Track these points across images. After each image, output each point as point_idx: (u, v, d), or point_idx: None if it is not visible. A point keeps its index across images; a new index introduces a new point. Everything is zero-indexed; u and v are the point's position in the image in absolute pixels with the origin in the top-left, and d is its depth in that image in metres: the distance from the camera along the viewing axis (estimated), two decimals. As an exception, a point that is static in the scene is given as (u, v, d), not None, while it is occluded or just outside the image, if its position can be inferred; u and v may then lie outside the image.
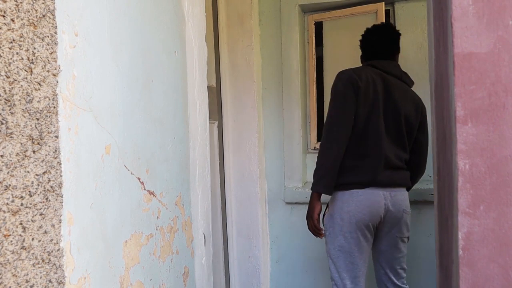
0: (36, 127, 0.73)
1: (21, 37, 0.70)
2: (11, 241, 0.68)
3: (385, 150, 1.88)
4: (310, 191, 1.92)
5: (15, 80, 0.69)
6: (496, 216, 0.78)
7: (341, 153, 1.84)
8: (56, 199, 0.77)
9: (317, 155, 1.89)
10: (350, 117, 1.84)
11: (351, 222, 1.86)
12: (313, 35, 2.79)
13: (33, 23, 0.73)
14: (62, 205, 0.79)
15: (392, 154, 1.90)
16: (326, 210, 1.96)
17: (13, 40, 0.69)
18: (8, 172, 0.67)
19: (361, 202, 1.86)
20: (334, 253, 1.90)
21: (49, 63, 0.76)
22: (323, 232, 1.94)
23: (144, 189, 1.09)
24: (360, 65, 2.13)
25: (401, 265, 2.02)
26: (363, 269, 1.92)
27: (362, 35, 2.10)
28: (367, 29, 2.09)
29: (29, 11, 0.72)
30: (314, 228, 1.92)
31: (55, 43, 0.78)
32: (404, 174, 1.97)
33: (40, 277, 0.73)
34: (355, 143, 1.86)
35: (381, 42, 2.05)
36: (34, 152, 0.72)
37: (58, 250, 0.78)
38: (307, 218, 1.94)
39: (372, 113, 1.87)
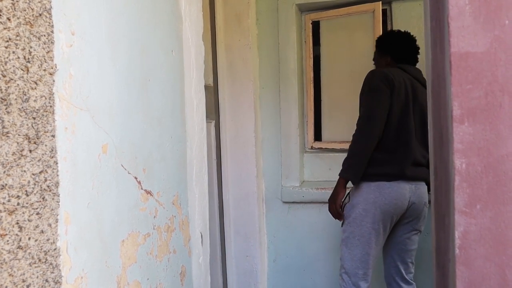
0: (32, 127, 0.73)
1: (17, 36, 0.70)
2: (8, 241, 0.67)
3: (414, 148, 1.98)
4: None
5: (11, 79, 0.69)
6: (492, 215, 0.78)
7: (373, 145, 1.94)
8: (53, 199, 0.77)
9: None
10: (385, 111, 1.94)
11: (375, 214, 1.94)
12: (310, 34, 2.79)
13: (29, 22, 0.73)
14: (58, 204, 0.78)
15: (418, 152, 2.01)
16: (346, 200, 2.03)
17: (10, 39, 0.69)
18: (4, 172, 0.67)
19: (388, 194, 1.94)
20: (353, 241, 1.97)
21: (45, 62, 0.76)
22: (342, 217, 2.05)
23: (141, 188, 1.09)
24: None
25: (411, 259, 2.12)
26: (375, 260, 2.02)
27: (387, 39, 2.21)
28: (393, 32, 2.21)
29: (25, 10, 0.72)
30: (336, 212, 2.01)
31: (51, 42, 0.78)
32: (426, 170, 2.05)
33: (37, 277, 0.73)
34: (387, 138, 1.96)
35: (411, 49, 2.19)
36: (30, 151, 0.72)
37: (55, 249, 0.77)
38: (329, 201, 2.02)
39: (404, 112, 1.98)
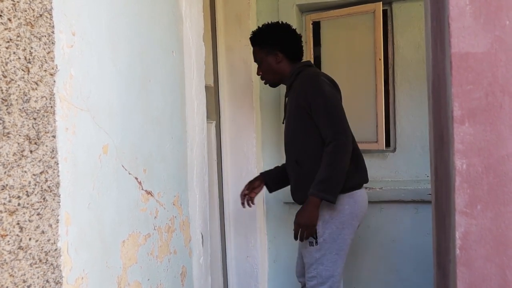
0: (33, 127, 0.73)
1: (18, 36, 0.70)
2: (8, 241, 0.67)
3: (360, 151, 1.92)
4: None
5: (12, 80, 0.69)
6: (493, 215, 0.78)
7: None
8: (54, 199, 0.77)
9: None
10: None
11: (352, 224, 1.84)
12: (311, 35, 2.79)
13: (30, 22, 0.73)
14: (59, 205, 0.78)
15: (361, 155, 1.95)
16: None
17: (10, 39, 0.69)
18: (5, 172, 0.67)
19: (361, 202, 1.87)
20: (330, 257, 1.84)
21: (46, 62, 0.76)
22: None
23: (142, 189, 1.09)
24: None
25: None
26: None
27: (275, 32, 1.96)
28: (277, 25, 1.97)
29: (26, 11, 0.72)
30: (309, 235, 1.81)
31: (52, 43, 0.78)
32: None
33: (38, 277, 0.73)
34: None
35: (301, 42, 2.01)
36: (31, 152, 0.72)
37: (56, 250, 0.77)
38: (305, 225, 1.78)
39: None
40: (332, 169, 1.74)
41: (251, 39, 2.00)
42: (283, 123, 2.05)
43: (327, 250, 1.84)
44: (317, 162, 1.80)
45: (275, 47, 1.93)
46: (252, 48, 2.02)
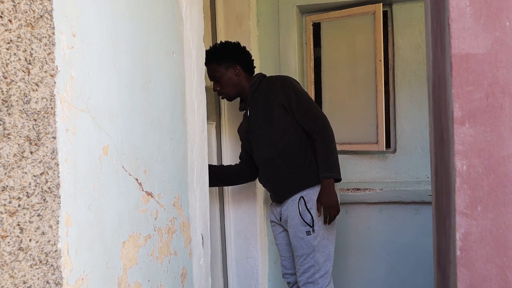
0: (33, 128, 0.73)
1: (18, 37, 0.70)
2: (9, 242, 0.68)
3: None
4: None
5: (13, 81, 0.69)
6: (493, 216, 0.78)
7: None
8: (54, 200, 0.77)
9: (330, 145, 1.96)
10: None
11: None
12: (311, 36, 2.80)
13: (30, 23, 0.73)
14: (59, 206, 0.78)
15: None
16: (302, 207, 1.98)
17: (11, 40, 0.69)
18: (5, 173, 0.67)
19: (337, 189, 2.02)
20: (324, 243, 1.98)
21: (46, 63, 0.76)
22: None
23: (142, 190, 1.09)
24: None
25: None
26: None
27: (234, 49, 2.10)
28: (233, 43, 2.11)
29: (26, 12, 0.72)
30: (337, 213, 1.96)
31: (52, 44, 0.78)
32: None
33: (38, 278, 0.73)
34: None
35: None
36: (31, 153, 0.72)
37: (56, 251, 0.77)
38: (330, 206, 1.91)
39: None
40: (332, 152, 1.94)
41: (207, 57, 2.07)
42: (246, 131, 2.15)
43: (321, 236, 1.97)
44: (299, 153, 2.00)
45: (234, 60, 2.06)
46: (206, 67, 2.10)
